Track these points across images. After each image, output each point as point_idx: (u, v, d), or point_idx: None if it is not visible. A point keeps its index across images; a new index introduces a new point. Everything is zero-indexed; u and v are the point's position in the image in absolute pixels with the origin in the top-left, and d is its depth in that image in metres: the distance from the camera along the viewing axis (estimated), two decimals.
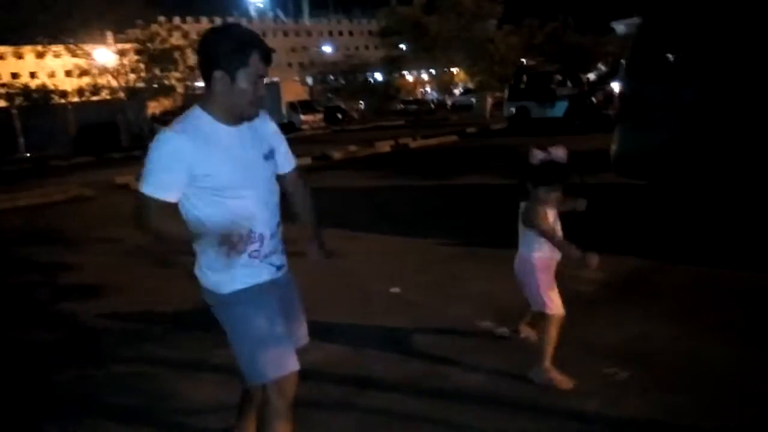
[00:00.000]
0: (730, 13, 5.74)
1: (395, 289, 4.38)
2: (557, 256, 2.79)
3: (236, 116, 1.85)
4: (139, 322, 4.17)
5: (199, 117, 1.84)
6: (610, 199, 6.75)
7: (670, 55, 5.91)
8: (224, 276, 1.90)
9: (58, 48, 22.74)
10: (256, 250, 1.91)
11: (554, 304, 2.77)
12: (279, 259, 2.02)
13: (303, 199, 2.21)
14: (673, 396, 2.65)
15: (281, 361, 1.90)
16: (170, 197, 1.82)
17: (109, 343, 3.88)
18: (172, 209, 1.87)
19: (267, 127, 2.02)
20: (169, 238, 1.97)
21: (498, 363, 3.09)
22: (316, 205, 2.24)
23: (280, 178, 2.09)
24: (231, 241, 1.78)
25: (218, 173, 1.81)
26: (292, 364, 1.92)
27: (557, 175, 2.64)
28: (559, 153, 2.65)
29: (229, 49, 1.77)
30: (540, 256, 2.79)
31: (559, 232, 2.76)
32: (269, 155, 1.97)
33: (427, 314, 3.89)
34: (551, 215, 2.72)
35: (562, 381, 2.77)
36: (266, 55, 1.82)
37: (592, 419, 2.53)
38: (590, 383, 2.77)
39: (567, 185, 2.69)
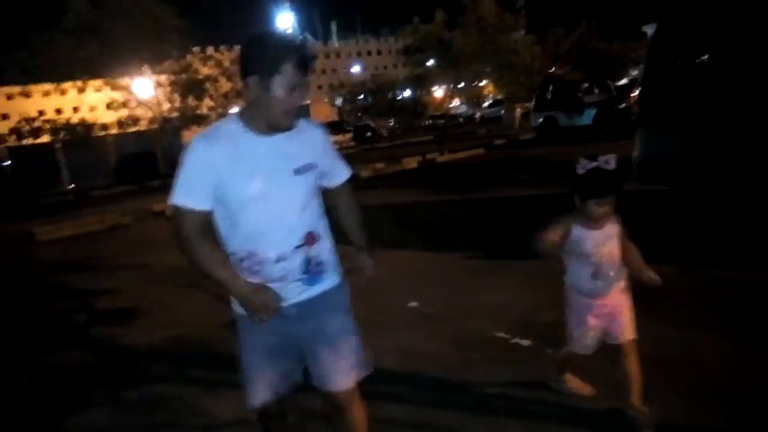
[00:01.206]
0: (749, 16, 5.66)
1: (413, 303, 4.43)
2: (602, 292, 2.44)
3: (270, 125, 1.78)
4: (168, 343, 4.32)
5: (230, 124, 1.81)
6: (634, 205, 6.65)
7: (688, 59, 5.83)
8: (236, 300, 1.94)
9: (98, 82, 23.73)
10: (255, 273, 1.83)
11: (574, 343, 2.58)
12: (284, 292, 1.84)
13: (349, 214, 2.15)
14: (678, 397, 2.65)
15: (251, 392, 1.98)
16: (201, 205, 1.77)
17: (140, 363, 4.03)
18: (207, 226, 1.81)
19: (315, 138, 1.93)
20: (199, 265, 1.80)
21: (514, 373, 3.11)
22: (363, 222, 2.19)
23: (327, 192, 2.04)
24: (256, 306, 1.78)
25: (236, 183, 1.76)
26: (256, 399, 1.97)
27: (609, 185, 2.29)
28: (609, 160, 2.31)
29: (265, 54, 1.71)
30: (571, 289, 2.53)
31: (602, 251, 2.39)
32: (305, 169, 1.84)
33: (444, 327, 3.92)
34: (591, 235, 2.38)
35: (581, 387, 2.78)
36: (303, 62, 1.73)
37: (606, 425, 2.54)
38: (605, 390, 2.76)
39: (618, 198, 2.35)
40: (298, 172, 1.83)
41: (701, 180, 5.57)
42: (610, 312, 2.49)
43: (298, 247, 1.84)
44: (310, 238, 1.87)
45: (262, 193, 1.78)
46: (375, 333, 3.90)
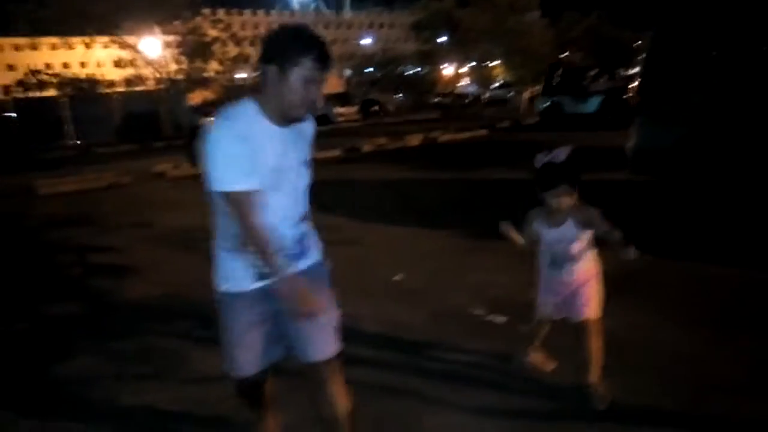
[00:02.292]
0: (748, 12, 5.69)
1: (398, 276, 4.58)
2: (559, 278, 2.63)
3: (284, 115, 1.84)
4: (160, 300, 4.48)
5: (246, 109, 1.84)
6: (622, 196, 6.77)
7: (686, 54, 5.87)
8: (219, 275, 2.02)
9: (106, 39, 23.61)
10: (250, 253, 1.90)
11: (539, 310, 2.78)
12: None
13: None
14: (637, 379, 2.81)
15: (235, 365, 2.08)
16: (251, 184, 1.78)
17: (131, 317, 4.20)
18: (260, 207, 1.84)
19: (310, 132, 2.03)
20: (259, 248, 1.83)
21: (486, 346, 3.26)
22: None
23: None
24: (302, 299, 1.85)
25: (255, 164, 1.82)
26: (241, 370, 2.08)
27: (559, 177, 2.46)
28: (559, 154, 2.49)
29: (286, 45, 1.77)
30: (541, 264, 2.73)
31: (556, 250, 2.59)
32: (308, 162, 1.97)
33: (425, 300, 4.07)
34: (551, 233, 2.57)
35: (544, 363, 2.93)
36: (322, 59, 1.79)
37: (565, 398, 2.71)
38: (568, 366, 2.91)
39: (579, 189, 2.49)
40: (305, 164, 1.96)
41: (693, 173, 5.66)
42: (570, 292, 2.64)
43: (295, 226, 1.97)
44: (305, 217, 2.02)
45: (276, 179, 1.85)
46: (358, 302, 4.05)
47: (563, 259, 2.61)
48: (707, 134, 5.55)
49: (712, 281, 4.09)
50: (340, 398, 2.05)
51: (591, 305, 2.63)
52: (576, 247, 2.58)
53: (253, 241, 1.82)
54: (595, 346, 2.64)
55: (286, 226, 1.94)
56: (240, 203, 1.79)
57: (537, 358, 2.93)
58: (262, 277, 1.95)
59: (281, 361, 2.16)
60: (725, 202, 5.60)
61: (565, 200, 2.50)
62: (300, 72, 1.77)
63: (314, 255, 2.07)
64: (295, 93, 1.78)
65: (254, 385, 2.18)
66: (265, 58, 1.80)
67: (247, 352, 2.06)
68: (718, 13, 5.89)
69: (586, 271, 2.64)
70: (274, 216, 1.88)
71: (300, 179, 1.95)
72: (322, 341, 2.01)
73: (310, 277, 2.00)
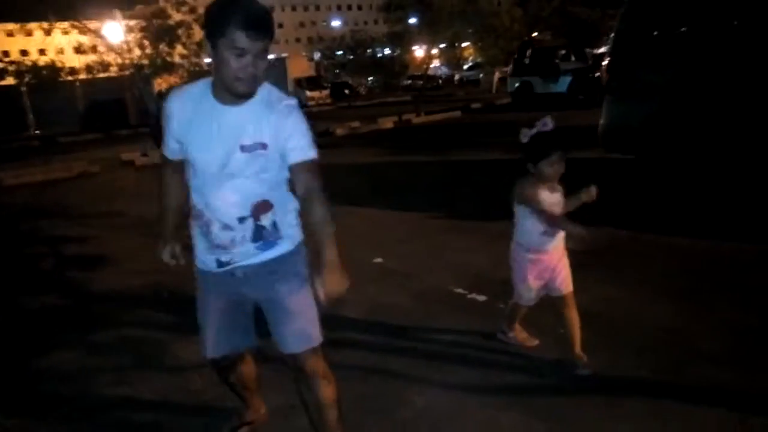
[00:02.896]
0: None
1: (378, 259, 4.59)
2: (547, 246, 2.66)
3: (227, 91, 1.74)
4: (137, 290, 4.41)
5: (202, 87, 1.84)
6: (598, 173, 6.86)
7: (655, 31, 5.95)
8: (196, 257, 2.02)
9: (65, 25, 22.83)
10: (204, 231, 1.89)
11: (519, 296, 2.79)
12: (232, 255, 1.89)
13: (311, 208, 1.77)
14: (617, 351, 2.87)
15: (204, 345, 2.09)
16: (171, 155, 1.98)
17: (109, 308, 4.12)
18: (180, 170, 1.98)
19: (275, 114, 1.78)
20: (163, 194, 2.13)
21: (468, 325, 3.30)
22: (329, 216, 1.77)
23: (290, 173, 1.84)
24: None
25: (189, 144, 1.83)
26: (208, 351, 2.09)
27: (552, 144, 2.50)
28: (546, 122, 2.53)
29: (214, 19, 1.68)
30: (519, 245, 2.71)
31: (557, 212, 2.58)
32: (253, 147, 1.77)
33: (406, 281, 4.09)
34: (549, 196, 2.57)
35: (526, 339, 2.99)
36: (250, 27, 1.64)
37: (547, 373, 2.76)
38: (549, 342, 2.97)
39: (567, 154, 2.53)
40: (243, 149, 1.77)
41: (662, 150, 5.77)
42: (552, 267, 2.70)
43: (243, 218, 1.84)
44: (261, 208, 1.86)
45: (208, 161, 1.80)
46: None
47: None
48: (676, 111, 5.66)
49: (685, 253, 4.21)
50: (325, 386, 2.03)
51: (569, 278, 2.71)
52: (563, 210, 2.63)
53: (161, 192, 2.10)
54: (576, 317, 2.72)
55: (225, 212, 1.83)
56: (162, 163, 2.06)
57: (520, 335, 2.99)
58: (220, 264, 1.93)
59: (265, 347, 2.15)
60: (696, 177, 5.73)
61: (561, 166, 2.52)
62: (227, 43, 1.66)
63: (285, 245, 1.95)
64: (228, 67, 1.68)
65: (225, 367, 2.18)
66: (205, 34, 1.73)
67: (214, 333, 2.06)
68: None
69: (562, 244, 2.71)
70: (209, 200, 1.84)
71: (242, 163, 1.78)
72: (301, 332, 1.96)
73: (283, 264, 1.94)
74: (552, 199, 2.59)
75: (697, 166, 5.62)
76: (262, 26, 1.67)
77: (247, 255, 1.91)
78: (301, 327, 1.96)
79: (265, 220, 1.89)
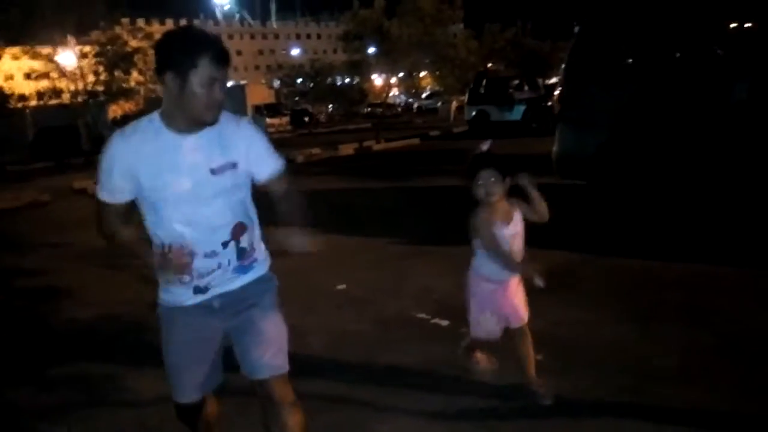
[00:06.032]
0: (667, 18, 6.12)
1: (341, 286, 4.58)
2: (504, 277, 2.61)
3: (191, 121, 1.75)
4: (90, 322, 4.26)
5: (151, 122, 1.79)
6: (551, 199, 7.06)
7: (604, 62, 6.24)
8: (160, 288, 1.94)
9: (16, 50, 22.24)
10: (187, 266, 1.81)
11: (479, 330, 2.71)
12: (209, 279, 1.86)
13: (285, 200, 1.97)
14: (578, 374, 2.93)
15: (177, 390, 1.99)
16: (115, 200, 1.82)
17: (62, 342, 3.97)
18: (124, 214, 1.87)
19: (239, 134, 1.85)
20: (120, 246, 1.92)
21: (432, 350, 3.31)
22: (303, 205, 1.99)
23: (263, 185, 1.94)
24: (168, 259, 1.74)
25: (149, 181, 1.77)
26: (183, 397, 1.99)
27: (480, 164, 2.49)
28: (483, 145, 2.55)
29: (180, 50, 1.69)
30: (479, 276, 2.64)
31: (512, 246, 2.55)
32: (223, 168, 1.80)
33: (370, 308, 4.09)
34: (505, 230, 2.53)
35: (487, 361, 2.94)
36: (220, 56, 1.71)
37: (511, 397, 2.78)
38: (510, 364, 3.00)
39: (504, 176, 2.50)
40: (214, 172, 1.79)
41: (614, 176, 6.00)
42: (510, 297, 2.66)
43: (226, 242, 1.85)
44: (239, 230, 1.87)
45: (179, 192, 1.77)
46: (303, 313, 4.02)
47: (517, 258, 2.58)
48: (626, 139, 5.91)
49: (639, 275, 4.36)
50: (293, 414, 1.98)
51: (525, 307, 2.71)
52: (522, 238, 2.60)
53: (111, 245, 1.91)
54: (530, 349, 2.71)
55: (208, 238, 1.82)
56: (98, 208, 1.87)
57: (480, 358, 2.97)
58: (198, 290, 1.87)
59: (223, 382, 2.10)
60: (646, 201, 5.96)
61: (492, 186, 2.47)
62: (200, 74, 1.68)
63: (260, 269, 1.98)
64: (199, 97, 1.70)
65: (196, 408, 2.08)
66: (161, 67, 1.72)
67: (188, 376, 1.97)
68: (634, 23, 6.30)
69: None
70: (188, 230, 1.80)
71: (215, 187, 1.80)
72: (273, 358, 1.93)
73: (258, 289, 1.94)
74: (508, 231, 2.54)
75: (646, 190, 5.86)
76: (226, 53, 1.74)
77: (224, 280, 1.88)
78: (272, 353, 1.93)
79: (244, 242, 1.90)
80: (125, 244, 1.92)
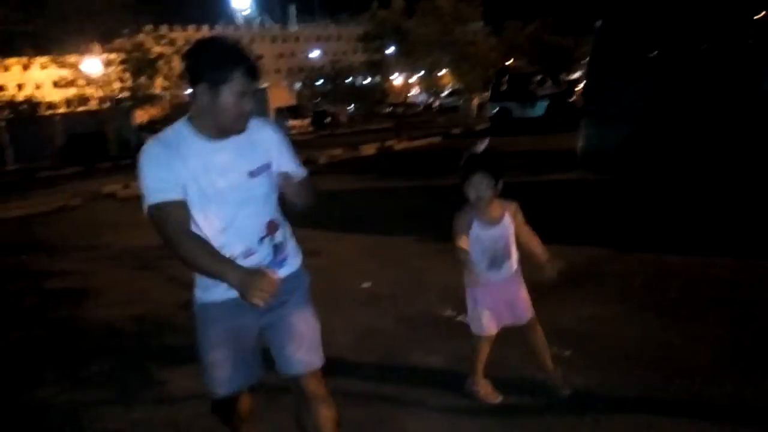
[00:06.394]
0: (689, 14, 6.02)
1: (366, 284, 4.60)
2: (493, 278, 2.59)
3: (221, 130, 1.79)
4: (122, 322, 4.35)
5: (180, 130, 1.82)
6: (577, 194, 7.01)
7: (628, 56, 6.15)
8: (196, 285, 1.96)
9: (44, 59, 22.83)
10: None
11: (475, 325, 2.67)
12: None
13: (302, 199, 2.03)
14: (605, 369, 2.89)
15: (214, 384, 2.00)
16: (177, 195, 1.76)
17: (94, 341, 4.07)
18: (189, 221, 1.79)
19: (269, 138, 1.92)
20: (191, 261, 1.75)
21: (457, 346, 3.29)
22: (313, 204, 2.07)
23: (282, 187, 1.97)
24: (254, 292, 1.64)
25: (194, 185, 1.78)
26: (219, 391, 2.00)
27: (473, 165, 2.48)
28: (479, 145, 2.52)
29: (213, 62, 1.72)
30: (469, 272, 2.59)
31: (496, 248, 2.55)
32: (260, 170, 1.86)
33: (394, 305, 4.11)
34: (487, 232, 2.53)
35: (488, 395, 2.76)
36: (252, 71, 1.76)
37: (537, 393, 2.76)
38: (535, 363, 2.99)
39: (496, 179, 2.48)
40: (252, 174, 1.85)
41: (639, 170, 5.91)
42: (507, 297, 2.64)
43: (262, 238, 1.89)
44: (272, 227, 1.92)
45: (218, 197, 1.80)
46: (329, 311, 4.01)
47: (503, 258, 2.57)
48: (650, 132, 5.82)
49: (666, 270, 4.28)
50: (326, 410, 2.00)
51: (529, 304, 2.67)
52: (512, 240, 2.59)
53: (181, 254, 1.74)
54: (542, 341, 2.69)
55: (246, 237, 1.87)
56: (162, 216, 1.74)
57: (484, 389, 2.77)
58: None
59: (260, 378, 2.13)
60: (671, 195, 5.87)
61: (483, 190, 2.46)
62: (232, 88, 1.73)
63: (293, 263, 2.01)
64: (229, 109, 1.74)
65: (231, 403, 2.11)
66: (193, 78, 1.74)
67: (224, 370, 1.99)
68: (657, 16, 6.20)
69: (517, 268, 2.66)
70: (228, 230, 1.84)
71: (254, 189, 1.86)
72: (306, 354, 1.97)
73: (290, 286, 1.95)
74: (493, 232, 2.52)
75: (671, 184, 5.77)
76: (257, 68, 1.79)
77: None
78: (305, 349, 1.97)
79: (278, 238, 1.95)
80: (195, 254, 1.74)
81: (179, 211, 1.76)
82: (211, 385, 2.01)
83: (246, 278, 1.67)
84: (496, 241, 2.54)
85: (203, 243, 1.77)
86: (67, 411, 3.08)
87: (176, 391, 3.11)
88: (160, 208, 1.74)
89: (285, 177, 1.95)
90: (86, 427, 2.90)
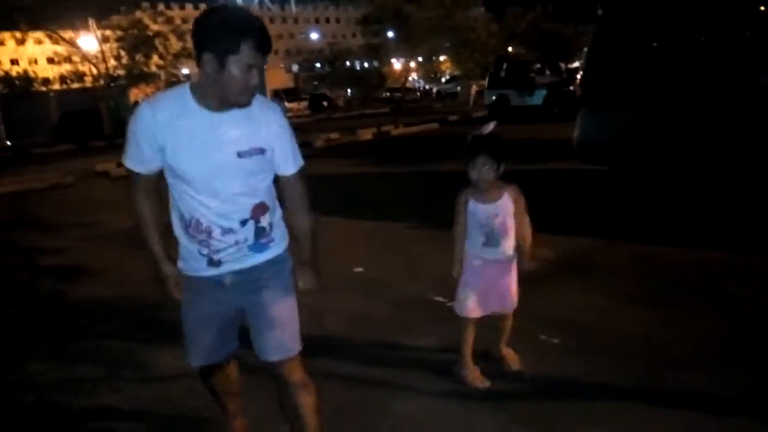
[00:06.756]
0: (689, 4, 5.98)
1: (359, 269, 4.60)
2: (488, 256, 2.65)
3: (224, 102, 1.74)
4: (112, 300, 4.35)
5: (181, 94, 1.77)
6: (572, 184, 7.01)
7: (628, 46, 6.11)
8: (179, 256, 1.99)
9: (39, 34, 22.52)
10: (204, 241, 1.85)
11: (460, 306, 2.73)
12: (229, 257, 1.88)
13: (297, 212, 1.99)
14: (593, 358, 2.92)
15: (189, 354, 2.06)
16: (142, 169, 1.83)
17: (83, 319, 4.06)
18: (153, 187, 1.89)
19: (270, 121, 1.85)
20: (139, 228, 1.94)
21: (448, 332, 3.30)
22: (313, 221, 2.04)
23: (278, 180, 1.96)
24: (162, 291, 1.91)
25: (174, 153, 1.76)
26: (193, 360, 2.07)
27: (478, 147, 2.54)
28: (484, 128, 2.58)
29: (221, 32, 1.65)
30: (466, 251, 2.69)
31: (493, 225, 2.60)
32: (250, 153, 1.79)
33: (387, 290, 4.12)
34: (484, 208, 2.60)
35: (476, 380, 2.79)
36: (261, 43, 1.68)
37: (525, 379, 2.81)
38: (528, 348, 3.01)
39: (498, 162, 2.54)
40: (241, 155, 1.78)
41: (635, 161, 5.91)
42: (498, 284, 2.69)
43: (245, 220, 1.85)
44: (259, 210, 1.87)
45: (203, 168, 1.77)
46: (320, 295, 4.04)
47: (500, 235, 2.62)
48: (648, 124, 5.80)
49: (658, 261, 4.31)
50: (305, 395, 2.00)
51: (515, 296, 2.75)
52: (510, 221, 2.63)
53: (134, 218, 1.92)
54: (509, 324, 2.85)
55: (228, 215, 1.83)
56: (130, 179, 1.89)
57: (472, 374, 2.81)
58: (212, 263, 1.88)
59: (246, 357, 2.14)
60: (667, 187, 5.87)
61: (485, 172, 2.52)
62: (240, 60, 1.66)
63: (277, 248, 1.98)
64: (236, 81, 1.68)
65: (209, 371, 2.16)
66: (200, 47, 1.68)
67: (200, 343, 2.03)
68: (657, 7, 6.16)
69: (512, 255, 2.69)
70: (209, 204, 1.81)
71: (240, 169, 1.79)
72: (283, 341, 1.96)
73: (271, 270, 1.95)
74: (489, 209, 2.59)
75: (667, 176, 5.77)
76: (269, 42, 1.73)
77: (238, 257, 1.89)
78: (282, 336, 1.95)
79: (264, 222, 1.91)
80: (142, 227, 1.95)
81: (147, 183, 1.89)
82: (187, 354, 2.08)
83: (160, 282, 1.97)
84: (490, 217, 2.60)
85: (155, 219, 1.93)
86: (56, 388, 3.08)
87: (167, 370, 3.11)
88: (130, 172, 1.88)
89: (278, 169, 1.93)
90: (76, 404, 2.89)
